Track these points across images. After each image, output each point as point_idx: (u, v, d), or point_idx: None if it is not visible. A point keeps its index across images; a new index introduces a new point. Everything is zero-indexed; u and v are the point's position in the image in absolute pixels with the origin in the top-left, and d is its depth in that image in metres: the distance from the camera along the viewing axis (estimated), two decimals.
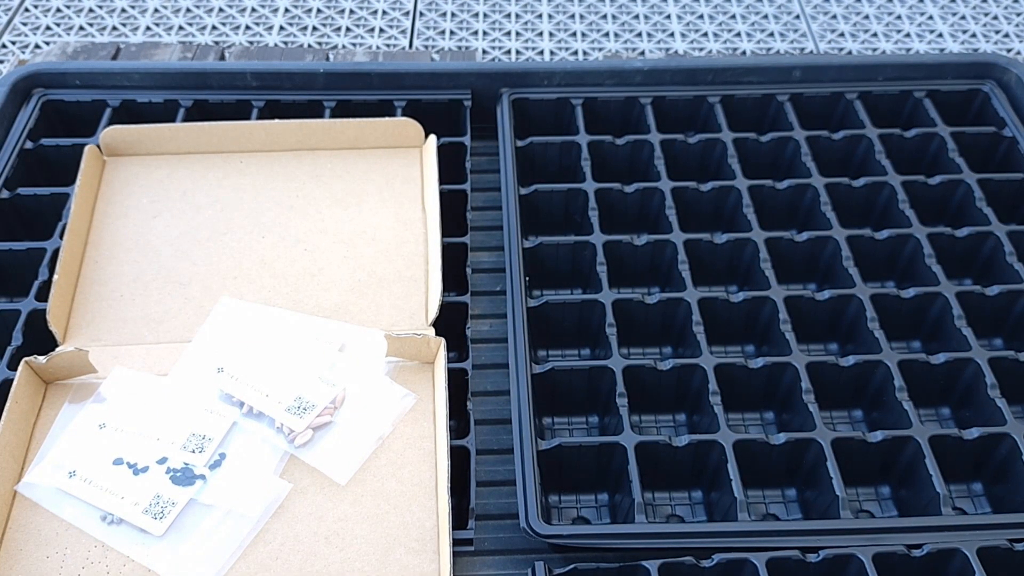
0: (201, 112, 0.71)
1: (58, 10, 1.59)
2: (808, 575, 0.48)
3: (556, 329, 0.60)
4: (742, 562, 0.47)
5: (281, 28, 1.55)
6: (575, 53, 1.49)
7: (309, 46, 1.51)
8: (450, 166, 0.68)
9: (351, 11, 1.60)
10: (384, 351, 0.56)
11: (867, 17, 1.57)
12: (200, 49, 0.92)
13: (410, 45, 1.52)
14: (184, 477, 0.50)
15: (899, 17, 1.57)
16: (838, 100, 0.73)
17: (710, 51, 1.49)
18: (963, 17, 1.56)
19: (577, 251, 0.63)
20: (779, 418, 0.58)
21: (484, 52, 1.50)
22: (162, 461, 0.51)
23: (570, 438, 0.53)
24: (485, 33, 1.54)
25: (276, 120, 0.68)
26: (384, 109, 0.71)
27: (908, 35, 1.53)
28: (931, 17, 1.56)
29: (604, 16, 1.58)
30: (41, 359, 0.53)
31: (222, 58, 0.92)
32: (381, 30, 1.56)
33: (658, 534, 0.49)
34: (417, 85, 0.72)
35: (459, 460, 0.52)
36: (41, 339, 0.56)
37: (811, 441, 0.53)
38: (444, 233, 0.62)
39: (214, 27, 1.55)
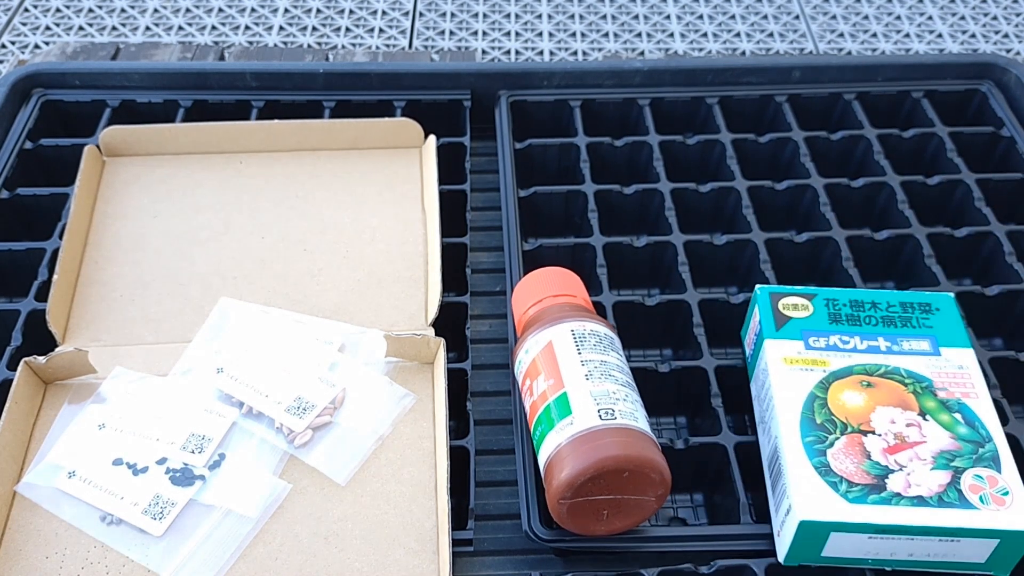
0: (201, 112, 0.71)
1: (58, 10, 1.58)
2: None
3: None
4: (742, 568, 0.47)
5: (281, 28, 1.55)
6: (575, 53, 1.49)
7: (309, 46, 1.51)
8: (450, 166, 0.68)
9: (351, 11, 1.60)
10: (384, 351, 0.56)
11: (867, 17, 1.57)
12: (200, 49, 0.92)
13: (410, 45, 1.52)
14: (184, 477, 0.50)
15: (899, 17, 1.57)
16: (836, 100, 0.73)
17: (710, 51, 1.49)
18: (962, 17, 1.56)
19: (577, 253, 0.63)
20: None
21: (484, 52, 1.50)
22: (162, 461, 0.51)
23: None
24: (485, 33, 1.54)
25: (276, 120, 0.68)
26: (384, 109, 0.72)
27: (907, 35, 1.53)
28: (930, 17, 1.56)
29: (604, 16, 1.58)
30: (41, 359, 0.53)
31: (222, 58, 0.92)
32: (381, 30, 1.56)
33: (661, 537, 0.49)
34: (416, 85, 0.72)
35: (459, 460, 0.52)
36: (41, 339, 0.56)
37: None
38: (444, 233, 0.62)
39: (214, 27, 1.55)
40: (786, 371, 0.50)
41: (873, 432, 0.47)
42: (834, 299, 0.53)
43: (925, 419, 0.48)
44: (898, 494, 0.45)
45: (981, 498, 0.45)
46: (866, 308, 0.53)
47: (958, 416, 0.48)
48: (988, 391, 0.50)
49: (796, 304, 0.53)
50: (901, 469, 0.46)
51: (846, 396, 0.49)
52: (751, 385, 0.55)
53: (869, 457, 0.46)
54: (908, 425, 0.47)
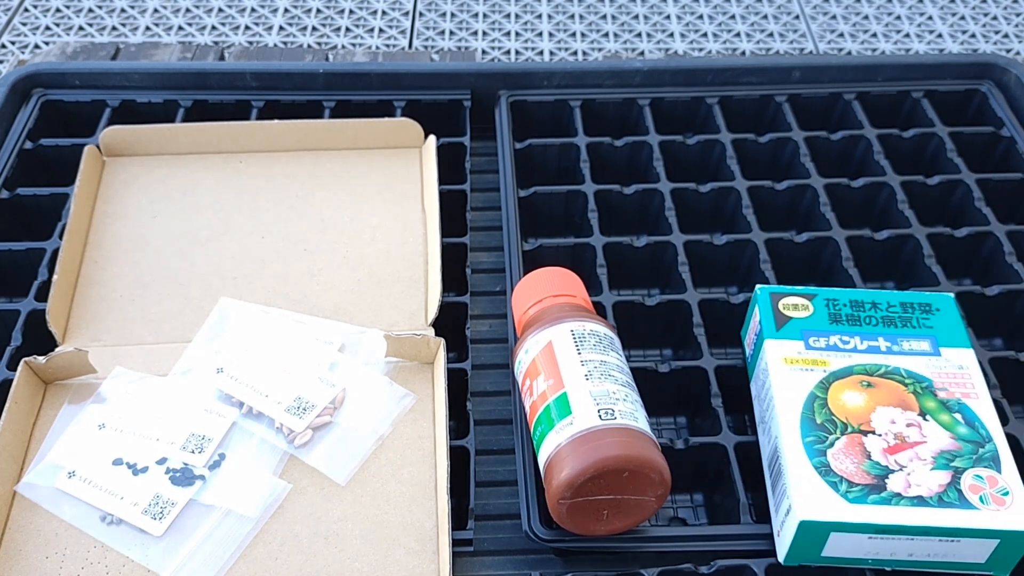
0: (201, 112, 0.71)
1: (58, 10, 1.59)
2: None
3: None
4: (742, 568, 0.47)
5: (281, 28, 1.55)
6: (575, 53, 1.49)
7: (309, 46, 1.52)
8: (450, 166, 0.68)
9: (351, 11, 1.60)
10: (384, 351, 0.56)
11: (867, 17, 1.58)
12: (200, 49, 0.92)
13: (410, 45, 1.52)
14: (184, 477, 0.50)
15: (899, 17, 1.57)
16: (836, 100, 0.73)
17: (710, 51, 1.49)
18: (962, 17, 1.56)
19: (577, 253, 0.63)
20: None
21: (484, 52, 1.50)
22: (162, 461, 0.51)
23: None
24: (485, 33, 1.54)
25: (276, 120, 0.68)
26: (384, 109, 0.72)
27: (908, 35, 1.53)
28: (931, 17, 1.56)
29: (604, 16, 1.58)
30: (41, 359, 0.53)
31: (222, 58, 0.92)
32: (381, 30, 1.56)
33: (661, 537, 0.49)
34: (416, 85, 0.72)
35: (459, 460, 0.52)
36: (41, 339, 0.56)
37: None
38: (444, 233, 0.62)
39: (214, 27, 1.55)
40: (786, 371, 0.50)
41: (873, 432, 0.47)
42: (834, 299, 0.53)
43: (925, 419, 0.48)
44: (898, 494, 0.45)
45: (981, 498, 0.45)
46: (866, 308, 0.53)
47: (958, 416, 0.48)
48: (988, 391, 0.50)
49: (796, 304, 0.53)
50: (901, 469, 0.46)
51: (846, 396, 0.49)
52: (751, 385, 0.55)
53: (869, 457, 0.46)
54: (908, 425, 0.47)
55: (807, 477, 0.45)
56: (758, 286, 0.55)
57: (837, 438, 0.47)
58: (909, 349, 0.51)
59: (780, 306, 0.53)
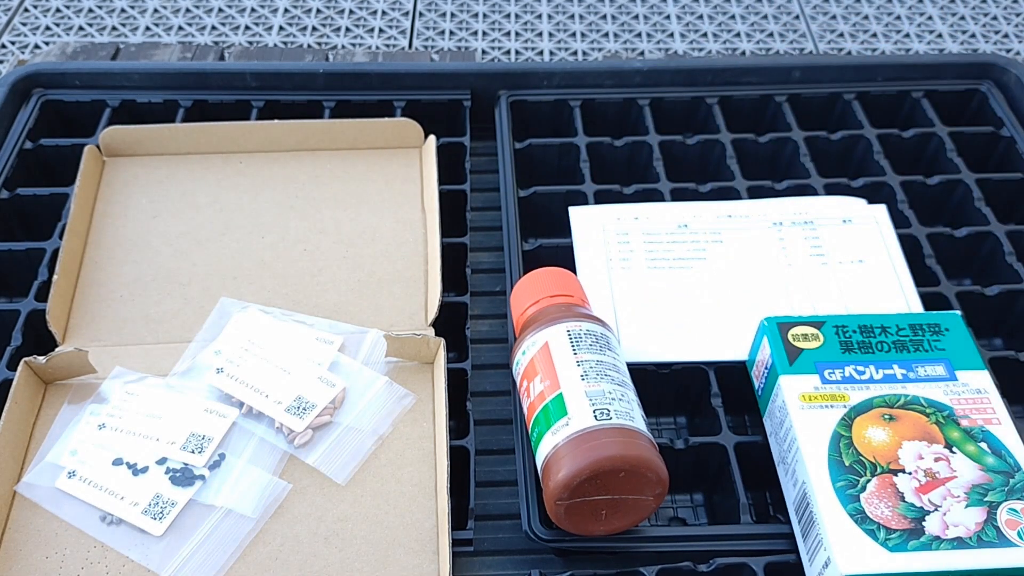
0: (201, 112, 0.71)
1: (58, 10, 1.59)
2: None
3: None
4: (741, 566, 0.47)
5: (280, 28, 1.55)
6: (575, 53, 1.49)
7: (308, 46, 1.52)
8: (449, 166, 0.68)
9: (350, 11, 1.60)
10: (384, 351, 0.56)
11: (866, 17, 1.57)
12: (200, 49, 0.92)
13: (409, 45, 1.52)
14: (184, 477, 0.50)
15: (898, 17, 1.57)
16: (836, 100, 0.73)
17: (709, 51, 1.49)
18: (962, 18, 1.56)
19: None
20: None
21: (483, 52, 1.50)
22: (161, 461, 0.51)
23: None
24: (484, 33, 1.54)
25: (276, 120, 0.68)
26: (383, 109, 0.72)
27: (907, 35, 1.53)
28: (930, 17, 1.56)
29: (604, 16, 1.58)
30: (41, 359, 0.53)
31: (222, 58, 0.92)
32: (380, 30, 1.56)
33: (661, 537, 0.49)
34: (416, 85, 0.72)
35: (459, 460, 0.52)
36: (41, 339, 0.56)
37: None
38: (444, 233, 0.62)
39: (214, 27, 1.55)
40: (806, 410, 0.49)
41: (903, 471, 0.46)
42: (843, 326, 0.52)
43: (952, 452, 0.47)
44: (937, 537, 0.44)
45: (1019, 533, 0.44)
46: (876, 333, 0.52)
47: (984, 446, 0.47)
48: (1009, 415, 0.49)
49: (806, 334, 0.52)
50: (936, 509, 0.45)
51: (871, 432, 0.48)
52: (764, 420, 0.53)
53: (903, 499, 0.45)
54: (936, 459, 0.47)
55: (844, 527, 0.44)
56: (764, 317, 0.53)
57: (868, 480, 0.46)
58: (925, 375, 0.50)
59: (790, 337, 0.52)
